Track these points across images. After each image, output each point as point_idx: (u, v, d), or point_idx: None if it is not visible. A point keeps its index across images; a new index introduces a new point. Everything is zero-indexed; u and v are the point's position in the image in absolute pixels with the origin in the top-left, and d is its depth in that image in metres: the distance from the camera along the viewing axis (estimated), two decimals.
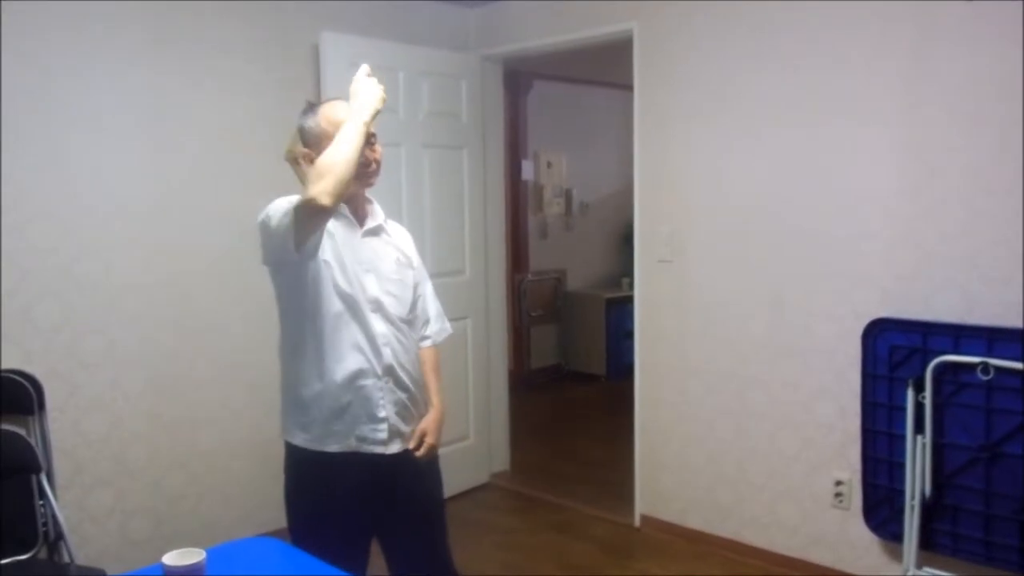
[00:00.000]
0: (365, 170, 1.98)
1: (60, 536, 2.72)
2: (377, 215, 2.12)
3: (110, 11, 3.09)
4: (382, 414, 2.02)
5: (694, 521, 3.59)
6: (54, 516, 2.71)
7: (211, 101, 3.39)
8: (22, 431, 2.75)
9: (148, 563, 1.64)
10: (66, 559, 2.71)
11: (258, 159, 3.51)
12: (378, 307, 2.01)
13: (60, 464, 2.94)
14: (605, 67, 5.48)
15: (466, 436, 4.26)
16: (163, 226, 3.28)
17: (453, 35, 4.22)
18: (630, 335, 3.84)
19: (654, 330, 3.68)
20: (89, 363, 3.09)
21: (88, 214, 3.07)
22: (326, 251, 1.97)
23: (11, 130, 2.87)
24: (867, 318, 2.91)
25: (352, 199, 2.03)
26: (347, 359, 1.98)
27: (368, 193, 2.11)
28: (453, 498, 4.12)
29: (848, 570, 3.10)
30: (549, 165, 6.77)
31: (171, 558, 1.50)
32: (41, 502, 2.71)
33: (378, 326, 2.01)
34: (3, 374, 2.80)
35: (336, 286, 1.97)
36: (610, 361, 6.58)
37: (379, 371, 2.01)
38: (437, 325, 2.26)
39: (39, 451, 2.74)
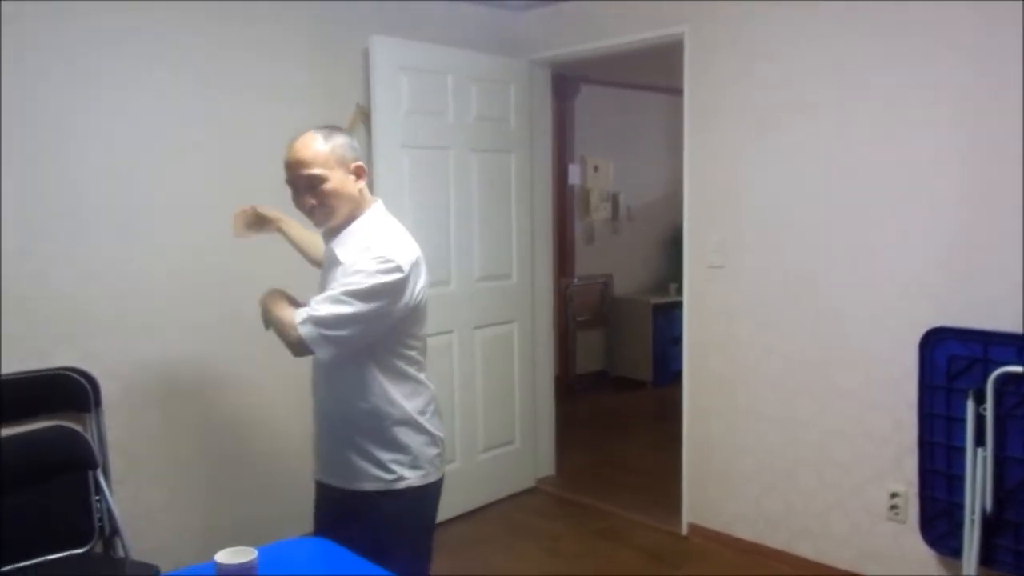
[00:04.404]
0: (309, 214, 2.09)
1: (116, 531, 2.77)
2: (340, 237, 2.05)
3: (159, 20, 3.12)
4: (316, 440, 2.15)
5: (743, 531, 3.53)
6: (109, 511, 2.76)
7: (261, 108, 3.41)
8: (79, 427, 2.82)
9: (200, 559, 1.66)
10: (121, 554, 2.76)
11: None
12: None
13: (115, 460, 3.00)
14: (652, 71, 5.44)
15: (512, 440, 4.25)
16: (218, 229, 3.31)
17: (502, 39, 4.23)
18: (677, 341, 3.80)
19: (703, 337, 3.64)
20: (144, 362, 3.15)
21: (146, 216, 3.13)
22: None
23: (67, 126, 2.94)
24: (924, 327, 2.83)
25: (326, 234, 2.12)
26: None
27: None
28: (499, 502, 4.13)
29: None
30: (596, 169, 6.73)
31: (224, 556, 1.51)
32: (97, 497, 2.76)
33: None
34: (61, 372, 2.87)
35: None
36: (656, 367, 6.53)
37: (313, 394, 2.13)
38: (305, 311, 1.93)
39: (95, 447, 2.79)
